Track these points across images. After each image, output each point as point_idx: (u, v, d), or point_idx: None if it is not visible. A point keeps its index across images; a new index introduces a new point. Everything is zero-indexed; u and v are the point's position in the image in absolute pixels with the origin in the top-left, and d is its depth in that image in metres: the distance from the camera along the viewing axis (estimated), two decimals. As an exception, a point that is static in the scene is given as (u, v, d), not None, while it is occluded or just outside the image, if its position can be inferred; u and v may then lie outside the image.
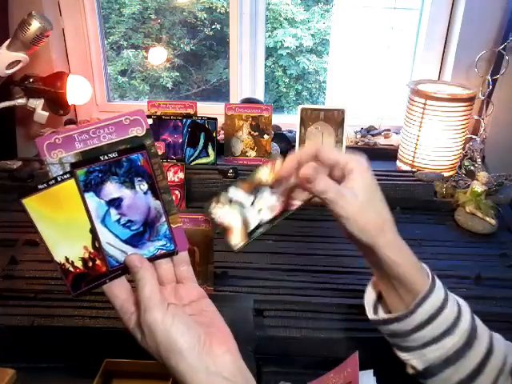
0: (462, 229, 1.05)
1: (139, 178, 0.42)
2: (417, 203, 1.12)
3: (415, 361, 0.49)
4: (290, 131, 1.39)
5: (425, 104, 1.15)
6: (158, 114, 1.15)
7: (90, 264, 0.42)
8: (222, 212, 0.48)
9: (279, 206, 0.47)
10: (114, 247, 0.43)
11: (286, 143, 1.32)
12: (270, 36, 3.84)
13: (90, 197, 0.41)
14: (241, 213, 0.48)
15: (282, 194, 0.49)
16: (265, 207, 0.47)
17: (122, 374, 0.74)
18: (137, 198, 0.43)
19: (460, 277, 0.88)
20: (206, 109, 1.47)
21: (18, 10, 1.25)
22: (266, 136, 1.19)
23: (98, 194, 0.41)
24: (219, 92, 3.82)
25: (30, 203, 0.40)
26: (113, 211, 0.42)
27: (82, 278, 0.42)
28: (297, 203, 0.49)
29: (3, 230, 1.01)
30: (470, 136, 1.27)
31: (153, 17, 3.75)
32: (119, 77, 3.67)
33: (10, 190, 1.17)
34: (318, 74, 4.00)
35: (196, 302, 0.45)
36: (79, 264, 0.42)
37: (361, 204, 0.46)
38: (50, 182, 0.40)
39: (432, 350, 0.48)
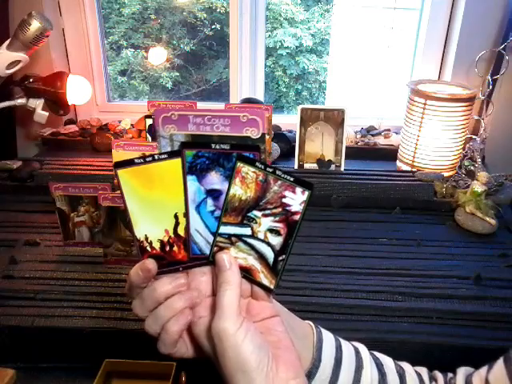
0: (461, 229, 1.05)
1: None
2: (417, 203, 1.12)
3: None
4: (290, 131, 1.39)
5: (425, 104, 1.15)
6: (158, 114, 1.14)
7: (168, 248, 0.41)
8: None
9: (281, 223, 0.40)
10: (202, 236, 0.41)
11: (285, 143, 1.32)
12: (269, 36, 3.84)
13: (191, 180, 0.40)
14: (249, 249, 0.41)
15: None
16: (267, 232, 0.40)
17: (121, 374, 0.74)
18: None
19: (460, 277, 0.88)
20: (206, 109, 1.47)
21: (18, 10, 1.25)
22: (266, 136, 1.20)
23: (199, 179, 0.40)
24: (219, 92, 3.82)
25: (124, 175, 0.39)
26: (209, 201, 0.41)
27: (156, 259, 0.41)
28: (297, 211, 0.40)
29: (3, 230, 1.01)
30: (470, 136, 1.27)
31: (153, 17, 3.75)
32: (119, 77, 3.68)
33: (10, 190, 1.17)
34: (318, 74, 4.00)
35: (267, 320, 0.42)
36: (157, 245, 0.41)
37: None
38: (147, 159, 0.39)
39: None
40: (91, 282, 0.85)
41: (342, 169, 1.21)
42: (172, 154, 0.40)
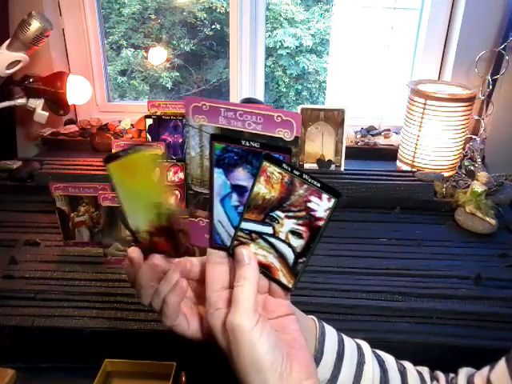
0: (461, 229, 1.05)
1: None
2: (417, 203, 1.12)
3: None
4: (290, 131, 1.39)
5: (425, 104, 1.15)
6: (158, 113, 1.15)
7: (155, 239, 0.42)
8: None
9: (303, 226, 0.39)
10: (224, 228, 0.42)
11: (285, 143, 1.32)
12: (269, 36, 3.84)
13: (218, 172, 0.40)
14: (269, 247, 0.41)
15: None
16: (289, 233, 0.40)
17: (121, 374, 0.74)
18: None
19: (460, 277, 0.88)
20: (206, 109, 1.47)
21: (18, 10, 1.25)
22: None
23: (226, 174, 0.40)
24: (219, 92, 3.82)
25: (113, 169, 0.40)
26: (234, 196, 0.40)
27: (147, 250, 0.42)
28: (321, 217, 0.39)
29: (3, 230, 1.01)
30: (470, 136, 1.27)
31: (153, 17, 3.75)
32: (119, 77, 3.67)
33: (10, 190, 1.17)
34: (318, 74, 4.00)
35: (282, 317, 0.42)
36: (146, 236, 0.42)
37: None
38: (129, 150, 0.40)
39: None
40: (91, 282, 0.85)
41: (342, 169, 1.21)
42: (149, 145, 0.40)
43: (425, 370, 0.53)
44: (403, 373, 0.51)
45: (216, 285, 0.40)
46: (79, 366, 0.76)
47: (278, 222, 0.40)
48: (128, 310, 0.78)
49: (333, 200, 0.38)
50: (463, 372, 0.52)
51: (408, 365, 0.52)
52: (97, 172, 1.15)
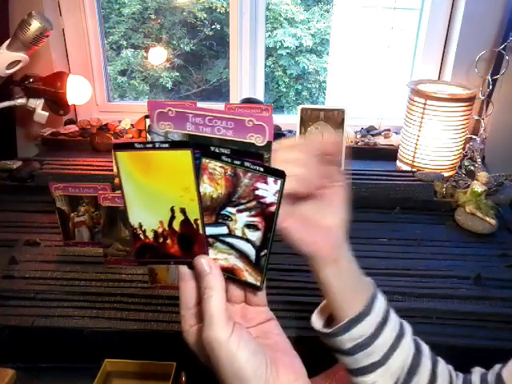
0: (461, 229, 1.05)
1: None
2: (417, 203, 1.12)
3: (382, 380, 0.49)
4: (290, 131, 1.39)
5: (425, 104, 1.15)
6: (158, 114, 1.14)
7: (161, 240, 0.39)
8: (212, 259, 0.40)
9: (257, 217, 0.38)
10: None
11: (285, 143, 1.32)
12: (269, 36, 3.84)
13: None
14: (228, 248, 0.39)
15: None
16: (245, 228, 0.38)
17: (121, 374, 0.74)
18: None
19: (460, 277, 0.88)
20: (206, 109, 1.47)
21: (18, 10, 1.25)
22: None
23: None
24: (219, 92, 3.82)
25: (122, 157, 0.37)
26: None
27: (148, 248, 0.40)
28: (272, 202, 0.37)
29: (3, 230, 1.01)
30: (470, 136, 1.27)
31: (153, 17, 3.75)
32: (119, 77, 3.68)
33: (10, 190, 1.17)
34: (318, 74, 4.00)
35: (263, 324, 0.41)
36: (150, 235, 0.39)
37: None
38: (148, 145, 0.37)
39: (395, 357, 0.49)
40: (91, 282, 0.85)
41: (342, 169, 1.21)
42: (174, 145, 0.37)
43: (450, 368, 0.54)
44: (435, 361, 0.52)
45: (189, 302, 0.39)
46: (79, 366, 0.76)
47: (232, 219, 0.38)
48: (128, 310, 0.78)
49: (279, 181, 0.37)
50: (477, 370, 0.53)
51: (440, 359, 0.53)
52: (97, 172, 1.15)
